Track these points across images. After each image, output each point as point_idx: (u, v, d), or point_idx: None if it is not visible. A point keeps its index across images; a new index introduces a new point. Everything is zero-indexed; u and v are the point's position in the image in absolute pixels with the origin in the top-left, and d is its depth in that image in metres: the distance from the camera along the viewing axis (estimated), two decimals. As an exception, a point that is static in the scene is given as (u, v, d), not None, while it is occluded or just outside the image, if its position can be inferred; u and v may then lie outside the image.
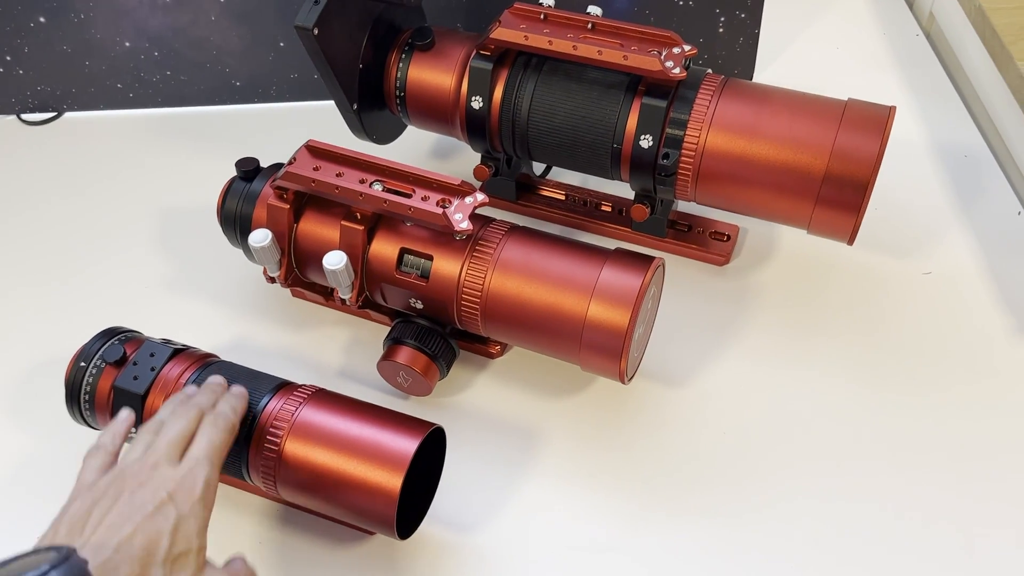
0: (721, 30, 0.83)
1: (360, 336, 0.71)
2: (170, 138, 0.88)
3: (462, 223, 0.58)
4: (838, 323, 0.69)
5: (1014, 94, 0.75)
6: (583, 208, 0.77)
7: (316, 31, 0.62)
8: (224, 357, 0.62)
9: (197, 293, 0.74)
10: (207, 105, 0.90)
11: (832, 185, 0.61)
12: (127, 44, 0.85)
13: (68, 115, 0.90)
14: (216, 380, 0.55)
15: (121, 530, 0.43)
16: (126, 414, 0.52)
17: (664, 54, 0.62)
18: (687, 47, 0.62)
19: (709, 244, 0.73)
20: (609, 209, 0.76)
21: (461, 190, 0.60)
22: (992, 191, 0.76)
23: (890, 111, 0.61)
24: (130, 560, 0.42)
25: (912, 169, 0.78)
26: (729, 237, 0.73)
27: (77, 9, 0.82)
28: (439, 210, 0.59)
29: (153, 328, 0.64)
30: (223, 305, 0.73)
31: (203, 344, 0.64)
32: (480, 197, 0.59)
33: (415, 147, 0.82)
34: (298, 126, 0.86)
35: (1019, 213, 0.74)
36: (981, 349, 0.67)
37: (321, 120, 0.84)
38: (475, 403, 0.66)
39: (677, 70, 0.61)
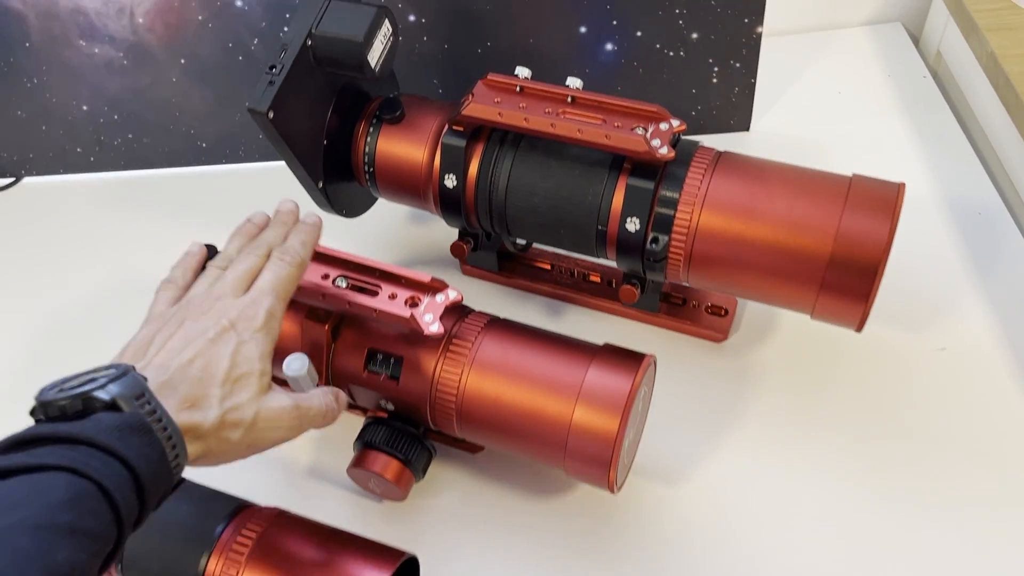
0: (715, 80, 0.78)
1: (331, 430, 0.65)
2: (135, 202, 0.83)
3: (432, 325, 0.53)
4: (846, 406, 0.64)
5: (1031, 149, 0.70)
6: (570, 279, 0.72)
7: (271, 114, 0.57)
8: (184, 459, 0.57)
9: (159, 381, 0.69)
10: (173, 167, 0.85)
11: (838, 271, 0.55)
12: (84, 108, 0.80)
13: (27, 180, 0.86)
14: (287, 208, 0.53)
15: (182, 354, 0.44)
16: (197, 248, 0.53)
17: (650, 131, 0.57)
18: (675, 122, 0.57)
19: (705, 319, 0.68)
20: (598, 280, 0.71)
21: (432, 287, 0.55)
22: (1009, 252, 0.71)
23: (899, 189, 0.56)
24: (189, 380, 0.43)
25: (923, 229, 0.73)
26: (727, 312, 0.68)
27: (29, 73, 0.78)
28: (407, 311, 0.54)
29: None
30: (186, 395, 0.68)
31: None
32: (452, 295, 0.54)
33: (391, 212, 0.77)
34: (270, 186, 0.81)
35: (1039, 278, 0.69)
36: (1004, 434, 0.61)
37: (291, 180, 0.79)
38: (455, 505, 0.61)
39: (664, 149, 0.56)
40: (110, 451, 0.36)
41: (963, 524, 0.57)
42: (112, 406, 0.38)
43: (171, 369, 0.43)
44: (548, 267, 0.72)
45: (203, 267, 0.52)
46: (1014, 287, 0.69)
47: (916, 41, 0.90)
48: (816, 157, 0.79)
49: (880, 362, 0.66)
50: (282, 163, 0.83)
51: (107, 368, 0.40)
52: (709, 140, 0.81)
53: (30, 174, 0.85)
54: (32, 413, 0.39)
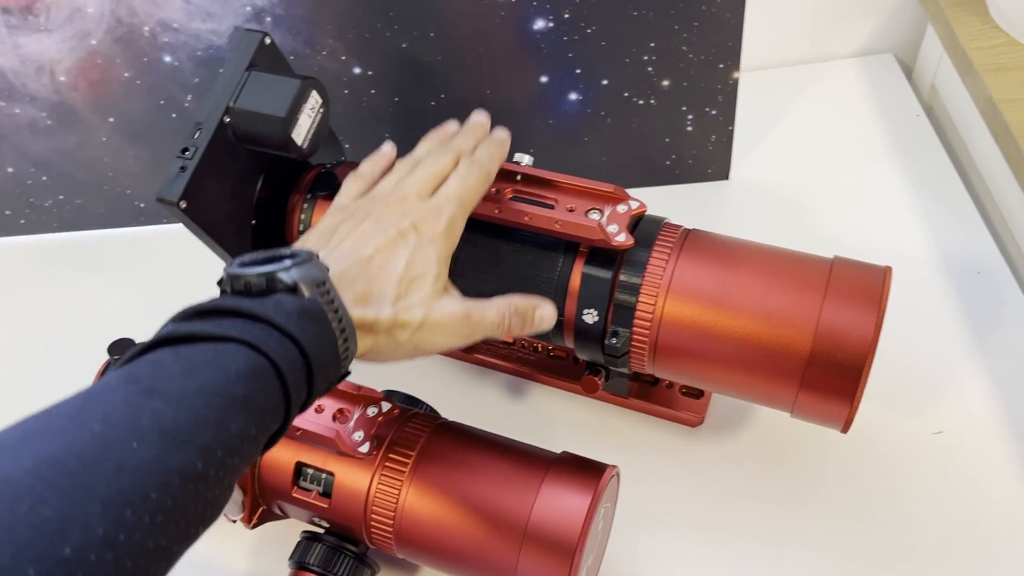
0: (690, 128, 0.72)
1: (270, 533, 0.60)
2: (70, 265, 0.78)
3: (361, 446, 0.48)
4: (832, 499, 0.58)
5: (1034, 206, 0.64)
6: (533, 356, 0.66)
7: (184, 204, 0.51)
8: None
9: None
10: (110, 228, 0.79)
11: (818, 369, 0.49)
12: (10, 170, 0.74)
13: (-46, 245, 0.80)
14: (478, 120, 0.53)
15: (362, 248, 0.44)
16: (388, 147, 0.53)
17: (607, 215, 0.51)
18: (635, 203, 0.51)
19: (679, 401, 0.62)
20: (564, 356, 0.65)
21: (364, 398, 0.49)
22: (1011, 317, 0.65)
23: (885, 275, 0.50)
24: (367, 276, 0.43)
25: (916, 294, 0.67)
26: (702, 393, 0.62)
27: (-54, 136, 0.72)
28: (332, 430, 0.48)
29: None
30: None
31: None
32: (385, 407, 0.49)
33: (340, 282, 0.71)
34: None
35: (1045, 349, 0.63)
36: (1003, 527, 0.56)
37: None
38: (403, 623, 0.56)
39: (622, 236, 0.50)
40: (287, 333, 0.36)
41: (963, 644, 0.52)
42: (293, 289, 0.38)
43: (350, 262, 0.44)
44: (510, 341, 0.66)
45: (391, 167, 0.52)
46: (1017, 357, 0.63)
47: (909, 73, 0.84)
48: (800, 207, 0.73)
49: (870, 448, 0.60)
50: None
51: (292, 252, 0.40)
52: (686, 190, 0.76)
53: (-42, 238, 0.80)
54: (219, 283, 0.39)
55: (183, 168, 0.51)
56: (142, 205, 0.77)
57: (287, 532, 0.58)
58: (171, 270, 0.76)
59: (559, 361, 0.65)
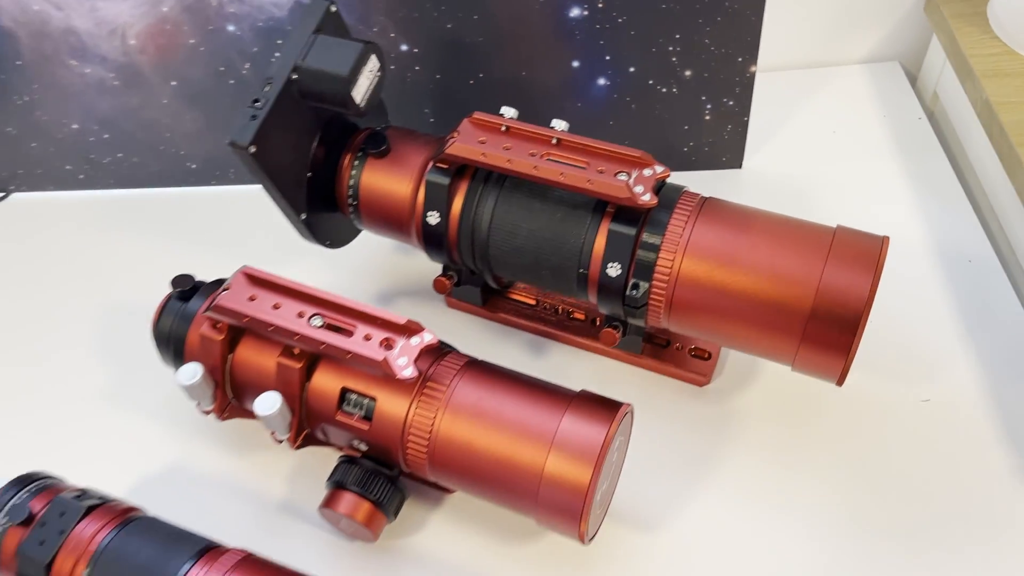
0: (708, 117, 0.77)
1: (306, 463, 0.65)
2: (123, 220, 0.83)
3: (405, 370, 0.53)
4: (826, 456, 0.63)
5: (1022, 196, 0.69)
6: (554, 316, 0.71)
7: (253, 149, 0.56)
8: (157, 487, 0.57)
9: (135, 407, 0.69)
10: (162, 187, 0.84)
11: (818, 323, 0.55)
12: (75, 126, 0.80)
13: (15, 196, 0.85)
14: None
15: None
16: None
17: (633, 177, 0.56)
18: (659, 168, 0.57)
19: (688, 362, 0.67)
20: (582, 318, 0.71)
21: (408, 329, 0.54)
22: (998, 303, 0.70)
23: (883, 243, 0.56)
24: None
25: (910, 276, 0.72)
26: (710, 355, 0.67)
27: (20, 91, 0.77)
28: (381, 354, 0.53)
29: (84, 447, 0.60)
30: (161, 422, 0.68)
31: (135, 469, 0.59)
32: (427, 338, 0.54)
33: (376, 241, 0.77)
34: (256, 209, 0.81)
35: (1027, 331, 0.68)
36: (983, 488, 0.61)
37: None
38: (427, 547, 0.61)
39: (647, 196, 0.56)
40: None
41: (939, 572, 0.57)
42: None
43: None
44: (532, 303, 0.72)
45: None
46: (1001, 338, 0.68)
47: (913, 81, 0.89)
48: (807, 196, 0.79)
49: (863, 411, 0.65)
50: (270, 188, 0.83)
51: None
52: (700, 176, 0.82)
53: (19, 190, 0.85)
54: None
55: (254, 117, 0.57)
56: (193, 166, 0.83)
57: (320, 463, 0.63)
58: (215, 228, 0.81)
59: (578, 322, 0.71)
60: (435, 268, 0.70)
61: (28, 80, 0.77)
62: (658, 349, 0.68)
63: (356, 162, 0.64)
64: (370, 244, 0.76)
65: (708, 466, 0.63)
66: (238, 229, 0.81)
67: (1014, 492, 0.60)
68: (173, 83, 0.77)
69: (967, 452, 0.63)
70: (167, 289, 0.66)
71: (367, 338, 0.54)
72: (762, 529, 0.60)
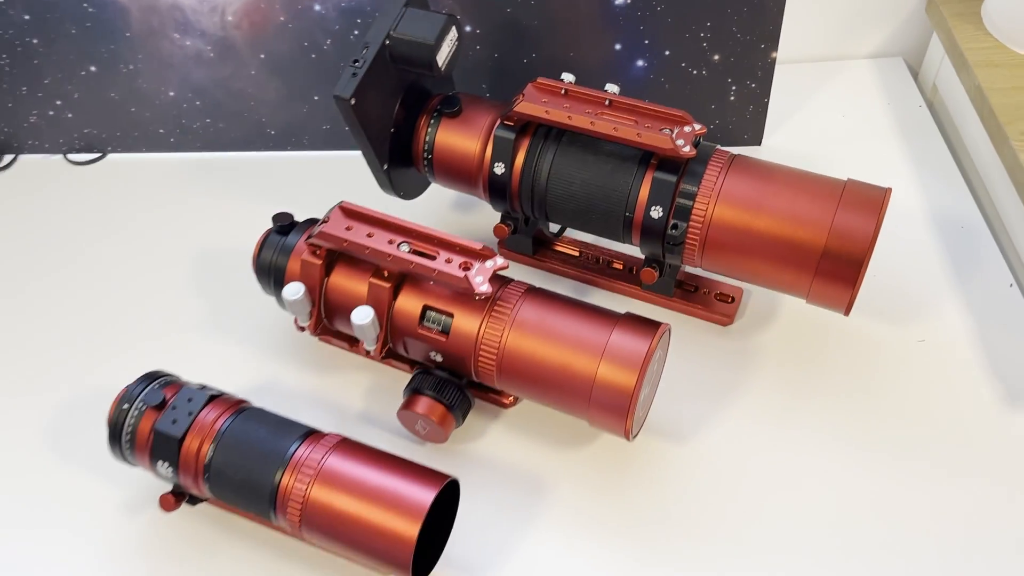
0: (732, 98, 0.87)
1: (380, 382, 0.75)
2: (207, 181, 0.93)
3: (482, 286, 0.63)
4: (834, 386, 0.72)
5: (1009, 172, 0.79)
6: (595, 265, 0.81)
7: (353, 101, 0.66)
8: (253, 400, 0.66)
9: (228, 335, 0.79)
10: (243, 151, 0.94)
11: (830, 260, 0.65)
12: (171, 93, 0.90)
13: (112, 156, 0.95)
14: None
15: None
16: None
17: (675, 132, 0.66)
18: (697, 126, 0.67)
19: (714, 305, 0.77)
20: (620, 267, 0.80)
21: (482, 254, 0.64)
22: (986, 263, 0.80)
23: (886, 193, 0.65)
24: None
25: (910, 239, 0.82)
26: (733, 299, 0.77)
27: (127, 60, 0.88)
28: (461, 273, 0.63)
29: (187, 368, 0.68)
30: (253, 348, 0.78)
31: (233, 385, 0.68)
32: (499, 261, 0.64)
33: (439, 201, 0.87)
34: (327, 173, 0.92)
35: (1011, 285, 0.78)
36: (971, 415, 0.70)
37: (348, 168, 0.89)
38: (488, 451, 0.70)
39: (687, 148, 0.66)
40: None
41: (929, 487, 0.66)
42: None
43: None
44: (576, 253, 0.81)
45: None
46: (988, 291, 0.78)
47: (915, 75, 1.00)
48: (820, 171, 0.88)
49: (866, 349, 0.75)
50: (340, 153, 0.94)
51: None
52: (724, 151, 0.91)
53: (115, 151, 0.95)
54: None
55: (354, 74, 0.67)
56: (272, 132, 0.93)
57: (391, 384, 0.73)
58: (289, 188, 0.91)
59: (616, 271, 0.80)
60: (487, 226, 0.79)
61: (134, 51, 0.87)
62: (688, 293, 0.78)
63: (431, 122, 0.74)
64: (430, 204, 0.86)
65: (730, 391, 0.73)
66: (310, 190, 0.91)
67: (997, 416, 0.70)
68: (261, 56, 0.87)
69: (956, 383, 0.72)
70: (247, 237, 0.76)
71: (448, 261, 0.64)
72: (776, 444, 0.69)
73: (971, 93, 0.86)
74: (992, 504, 0.65)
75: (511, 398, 0.72)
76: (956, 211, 0.84)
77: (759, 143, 0.91)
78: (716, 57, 0.85)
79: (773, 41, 0.83)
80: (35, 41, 0.87)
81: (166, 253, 0.86)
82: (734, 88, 0.87)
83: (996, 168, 0.83)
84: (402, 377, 0.72)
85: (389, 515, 0.57)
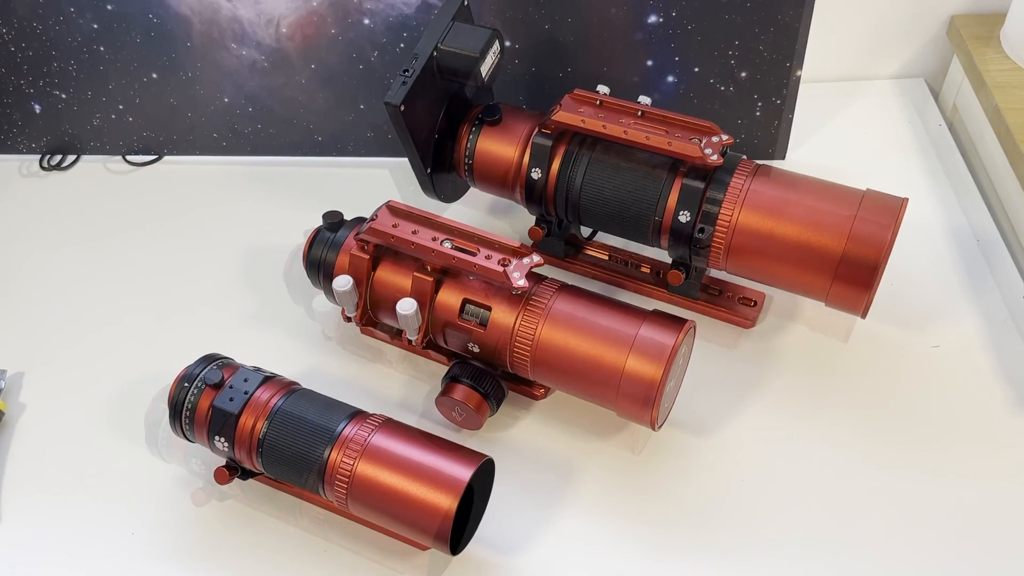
0: (758, 114, 0.92)
1: (419, 373, 0.79)
2: (257, 184, 0.98)
3: (519, 281, 0.67)
4: (851, 387, 0.76)
5: (1023, 186, 0.82)
6: (624, 268, 0.85)
7: (403, 108, 0.71)
8: (303, 385, 0.71)
9: (276, 326, 0.84)
10: (291, 156, 1.00)
11: (848, 265, 0.68)
12: (226, 100, 0.96)
13: (167, 158, 1.01)
14: None
15: None
16: None
17: (704, 142, 0.71)
18: (725, 136, 0.71)
19: (737, 308, 0.81)
20: (648, 271, 0.84)
21: (520, 251, 0.68)
22: (1000, 274, 0.83)
23: (903, 202, 0.69)
24: None
25: (928, 250, 0.85)
26: (756, 303, 0.81)
27: (186, 68, 0.93)
28: (500, 268, 0.67)
29: (239, 355, 0.73)
30: (299, 338, 0.82)
31: (282, 371, 0.73)
32: (536, 259, 0.68)
33: (476, 205, 0.92)
34: (371, 179, 0.97)
35: (1023, 296, 0.81)
36: (982, 418, 0.73)
37: (390, 175, 0.94)
38: (520, 439, 0.74)
39: (715, 157, 0.70)
40: None
41: (941, 486, 0.69)
42: None
43: None
44: (606, 257, 0.86)
45: None
46: (1002, 301, 0.81)
47: (936, 95, 1.03)
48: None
49: (882, 354, 0.78)
50: (382, 159, 0.99)
51: None
52: (750, 164, 0.95)
53: (171, 153, 1.01)
54: None
55: (404, 83, 0.72)
56: (319, 139, 0.98)
57: (427, 376, 0.77)
58: (333, 191, 0.96)
59: (644, 274, 0.84)
60: (523, 229, 0.84)
61: (194, 59, 0.93)
62: (712, 297, 0.82)
63: (473, 129, 0.79)
64: (471, 209, 0.90)
65: (751, 390, 0.76)
66: (353, 193, 0.96)
67: (1007, 418, 0.73)
68: (312, 66, 0.92)
69: (969, 387, 0.75)
70: (294, 236, 0.81)
71: (488, 257, 0.68)
72: (794, 441, 0.73)
73: (989, 113, 0.89)
74: (1002, 504, 0.68)
75: (543, 390, 0.76)
76: (973, 225, 0.88)
77: (784, 157, 0.95)
78: (743, 74, 0.89)
79: (798, 60, 0.88)
80: (102, 48, 0.93)
81: (219, 249, 0.91)
82: (760, 104, 0.91)
83: (1012, 184, 0.87)
84: (439, 370, 0.77)
85: (430, 490, 0.61)
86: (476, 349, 0.71)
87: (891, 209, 0.68)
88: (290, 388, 0.68)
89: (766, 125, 0.93)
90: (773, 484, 0.70)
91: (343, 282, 0.71)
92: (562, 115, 0.74)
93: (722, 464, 0.72)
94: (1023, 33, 0.90)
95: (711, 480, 0.71)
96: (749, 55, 0.87)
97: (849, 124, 0.99)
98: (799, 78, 0.89)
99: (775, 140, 0.94)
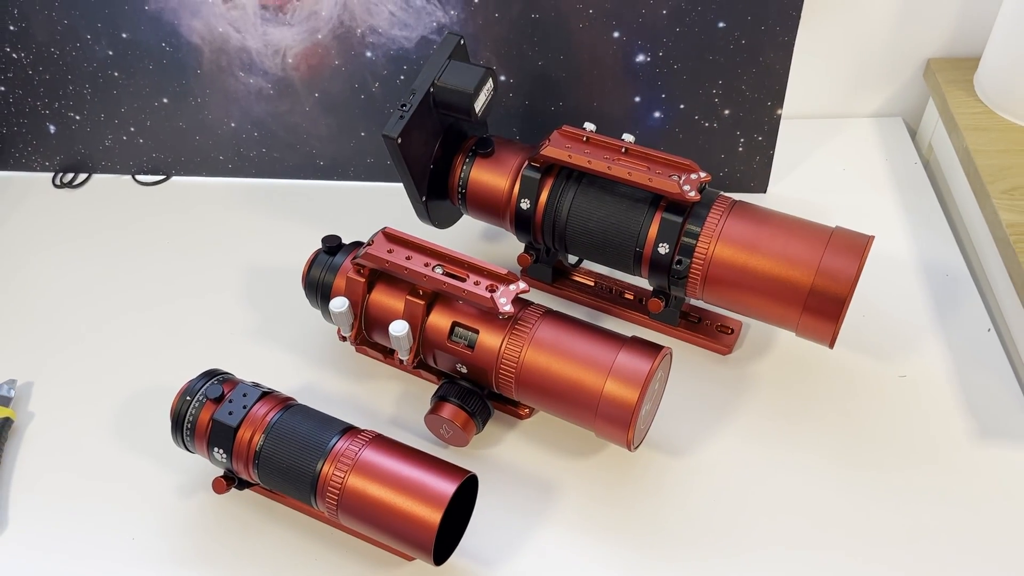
0: (740, 149, 0.96)
1: (410, 391, 0.83)
2: (261, 205, 1.02)
3: (505, 306, 0.71)
4: (821, 413, 0.80)
5: (990, 227, 0.86)
6: (608, 295, 0.89)
7: (399, 140, 0.76)
8: (298, 400, 0.74)
9: (275, 342, 0.87)
10: (294, 179, 1.04)
11: (816, 297, 0.72)
12: (232, 124, 1.00)
13: (175, 179, 1.05)
14: None
15: None
16: None
17: (683, 179, 0.75)
18: (703, 174, 0.75)
19: (715, 336, 0.85)
20: (631, 298, 0.88)
21: (507, 279, 0.72)
22: (967, 308, 0.87)
23: (869, 240, 0.73)
24: None
25: (898, 283, 0.89)
26: (733, 331, 0.85)
27: (196, 94, 0.98)
28: (487, 294, 0.71)
29: (238, 371, 0.77)
30: (296, 354, 0.86)
31: (279, 387, 0.77)
32: (522, 286, 0.72)
33: (469, 231, 0.96)
34: (370, 203, 1.01)
35: (988, 330, 0.85)
36: (945, 446, 0.77)
37: (388, 199, 0.98)
38: (504, 457, 0.78)
39: (692, 193, 0.74)
40: None
41: (904, 509, 0.73)
42: None
43: None
44: (591, 283, 0.90)
45: None
46: (968, 335, 0.85)
47: (913, 135, 1.08)
48: (821, 218, 0.96)
49: (852, 382, 0.82)
50: (381, 184, 1.03)
51: None
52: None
53: (178, 174, 1.05)
54: None
55: (401, 116, 0.76)
56: (322, 163, 1.02)
57: (418, 394, 0.81)
58: (334, 214, 1.00)
59: (627, 300, 0.88)
60: (512, 255, 0.88)
61: (203, 86, 0.97)
62: (692, 324, 0.86)
63: (467, 161, 0.83)
64: (463, 235, 0.95)
65: (726, 414, 0.80)
66: (352, 217, 1.00)
67: (969, 447, 0.77)
68: (316, 94, 0.97)
69: (933, 416, 0.79)
70: (294, 257, 0.84)
71: (476, 283, 0.72)
72: (765, 463, 0.76)
73: (960, 154, 0.93)
74: (960, 526, 0.72)
75: (527, 410, 0.79)
76: (943, 260, 0.92)
77: (764, 191, 0.99)
78: (726, 111, 0.93)
79: (779, 99, 0.92)
80: (116, 74, 0.97)
81: (222, 268, 0.95)
82: (742, 140, 0.95)
83: (980, 223, 0.91)
84: (429, 388, 0.81)
85: (416, 503, 0.65)
86: (464, 370, 0.75)
87: (857, 246, 0.73)
88: (286, 404, 0.72)
89: (748, 160, 0.97)
90: (745, 502, 0.74)
91: (339, 303, 0.75)
92: (550, 150, 0.78)
93: (697, 484, 0.75)
94: (995, 78, 0.95)
95: (686, 499, 0.75)
96: (732, 94, 0.92)
97: (829, 160, 1.03)
98: (780, 116, 0.93)
99: (757, 174, 0.98)
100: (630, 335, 0.74)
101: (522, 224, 0.82)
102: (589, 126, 0.80)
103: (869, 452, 0.77)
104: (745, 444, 0.78)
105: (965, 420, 0.79)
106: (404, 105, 0.77)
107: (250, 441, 0.69)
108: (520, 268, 0.89)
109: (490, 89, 0.79)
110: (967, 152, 0.91)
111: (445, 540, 0.68)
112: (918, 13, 0.99)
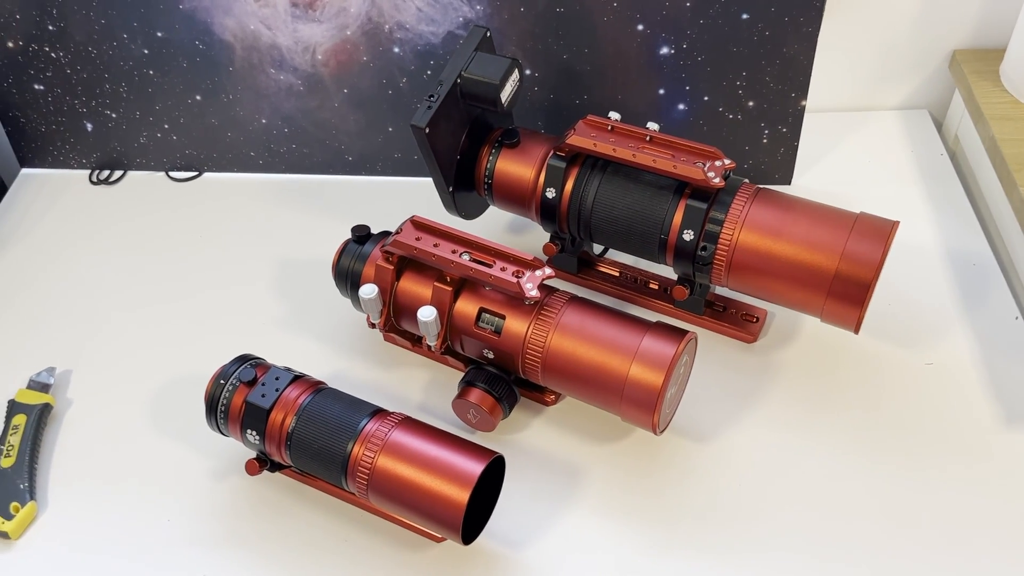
0: (765, 141, 0.96)
1: (437, 378, 0.84)
2: (291, 200, 1.04)
3: (532, 291, 0.72)
4: (846, 401, 0.80)
5: (1016, 214, 0.86)
6: (633, 284, 0.90)
7: (428, 130, 0.77)
8: (329, 385, 0.76)
9: (305, 332, 0.89)
10: (323, 174, 1.06)
11: (841, 282, 0.73)
12: (264, 121, 1.02)
13: (207, 175, 1.07)
14: None
15: None
16: None
17: (707, 166, 0.75)
18: (727, 161, 0.76)
19: (740, 324, 0.85)
20: (656, 287, 0.89)
21: (533, 264, 0.73)
22: (994, 297, 0.87)
23: (894, 225, 0.73)
24: None
25: (925, 272, 0.89)
26: (758, 319, 0.85)
27: (227, 91, 1.00)
28: (514, 279, 0.72)
29: (271, 357, 0.79)
30: (326, 343, 0.88)
31: (310, 373, 0.78)
32: (548, 271, 0.73)
33: (495, 223, 0.97)
34: (397, 197, 1.03)
35: (1016, 318, 0.85)
36: (971, 434, 0.77)
37: (415, 193, 1.00)
38: (530, 442, 0.79)
39: (717, 180, 0.75)
40: None
41: (929, 496, 0.73)
42: None
43: None
44: (616, 273, 0.90)
45: None
46: (995, 323, 0.85)
47: (939, 127, 1.07)
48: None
49: (877, 369, 0.82)
50: (408, 179, 1.04)
51: None
52: (757, 189, 1.00)
53: (210, 170, 1.07)
54: None
55: (429, 107, 0.77)
56: (350, 159, 1.04)
57: (446, 380, 0.82)
58: (362, 208, 1.02)
59: (652, 290, 0.89)
60: (538, 245, 0.89)
61: (235, 83, 0.99)
62: (717, 312, 0.86)
63: (493, 151, 0.85)
64: (489, 226, 0.96)
65: (751, 402, 0.80)
66: (380, 210, 1.01)
67: (995, 434, 0.77)
68: (345, 90, 0.98)
69: (960, 404, 0.79)
70: (324, 249, 0.86)
71: (503, 269, 0.73)
72: (790, 450, 0.77)
73: (986, 143, 0.93)
74: (985, 513, 0.72)
75: (552, 397, 0.80)
76: (969, 249, 0.91)
77: (789, 183, 1.00)
78: (751, 104, 0.94)
79: (803, 90, 0.92)
80: (151, 72, 1.00)
81: (253, 260, 0.97)
82: (767, 132, 0.96)
83: (1007, 211, 0.91)
84: (456, 376, 0.82)
85: (444, 482, 0.66)
86: (491, 355, 0.76)
87: (882, 231, 0.73)
88: (317, 387, 0.73)
89: (773, 151, 0.97)
90: (769, 488, 0.74)
91: (369, 291, 0.76)
92: (575, 139, 0.79)
93: (721, 469, 0.76)
94: (1020, 69, 0.95)
95: (710, 483, 0.75)
96: (756, 85, 0.92)
97: (854, 152, 1.04)
98: (804, 107, 0.94)
99: (781, 166, 0.98)
100: (655, 320, 0.74)
101: (548, 213, 0.83)
102: (614, 115, 0.81)
103: (895, 440, 0.77)
104: (771, 432, 0.78)
105: (992, 408, 0.78)
106: (432, 96, 0.78)
107: (282, 423, 0.70)
108: (546, 258, 0.90)
109: (516, 80, 0.80)
110: (993, 141, 0.91)
111: (473, 521, 0.69)
112: (943, 4, 0.99)
